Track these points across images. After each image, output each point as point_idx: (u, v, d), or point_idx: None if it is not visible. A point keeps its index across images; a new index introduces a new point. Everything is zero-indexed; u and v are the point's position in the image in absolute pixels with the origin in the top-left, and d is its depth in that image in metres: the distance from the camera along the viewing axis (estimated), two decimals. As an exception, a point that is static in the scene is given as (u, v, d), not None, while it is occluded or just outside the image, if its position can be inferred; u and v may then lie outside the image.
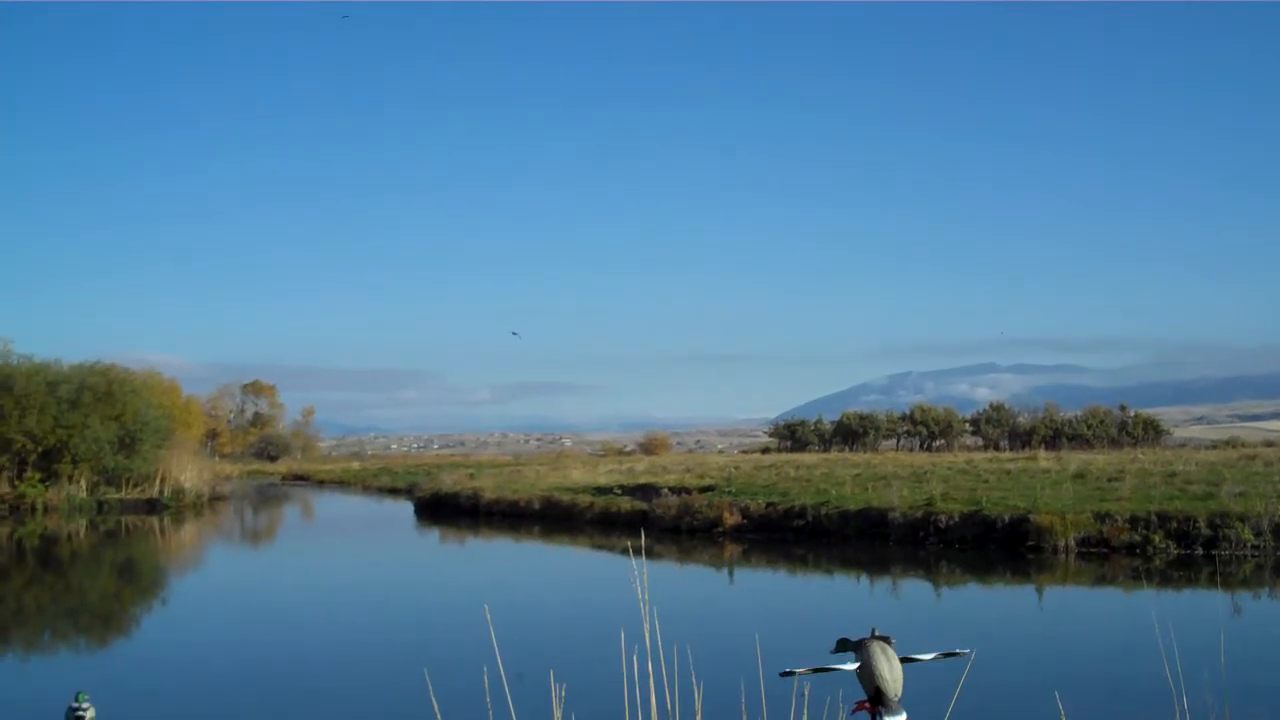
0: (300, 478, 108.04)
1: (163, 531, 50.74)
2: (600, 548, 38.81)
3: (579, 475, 61.37)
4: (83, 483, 61.69)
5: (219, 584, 34.08)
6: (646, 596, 5.11)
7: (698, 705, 5.01)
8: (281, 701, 16.26)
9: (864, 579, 31.20)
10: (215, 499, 68.07)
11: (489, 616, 5.10)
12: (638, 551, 5.72)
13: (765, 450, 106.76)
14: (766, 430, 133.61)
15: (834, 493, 40.85)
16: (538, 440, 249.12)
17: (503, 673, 4.89)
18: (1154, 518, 31.64)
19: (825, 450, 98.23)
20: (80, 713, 14.39)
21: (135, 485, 63.36)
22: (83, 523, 53.38)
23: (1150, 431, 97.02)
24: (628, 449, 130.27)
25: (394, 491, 78.80)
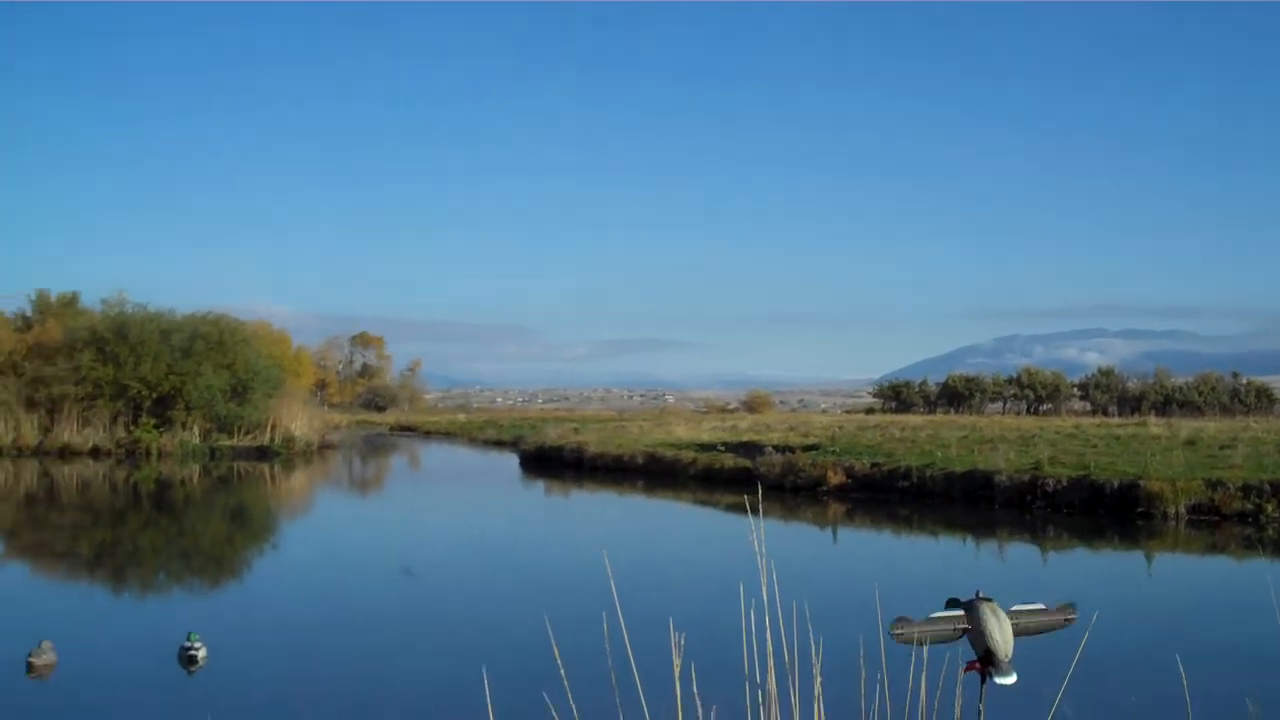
0: (407, 428, 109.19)
1: (273, 478, 51.62)
2: (704, 503, 38.87)
3: (682, 431, 61.47)
4: (196, 429, 63.02)
5: (328, 530, 34.59)
6: (763, 550, 5.11)
7: (816, 659, 5.01)
8: (389, 646, 16.45)
9: (970, 541, 30.98)
10: (324, 447, 69.06)
11: (608, 564, 5.14)
12: (741, 508, 5.74)
13: (869, 411, 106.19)
14: (870, 391, 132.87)
15: (939, 454, 40.51)
16: (641, 396, 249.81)
17: (621, 620, 4.92)
18: (1267, 486, 31.01)
19: (930, 412, 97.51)
20: (192, 651, 14.75)
21: (247, 432, 64.54)
22: (196, 468, 54.46)
23: (1263, 399, 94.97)
24: (731, 407, 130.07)
25: (499, 444, 79.40)
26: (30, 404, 62.50)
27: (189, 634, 15.06)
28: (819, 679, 4.98)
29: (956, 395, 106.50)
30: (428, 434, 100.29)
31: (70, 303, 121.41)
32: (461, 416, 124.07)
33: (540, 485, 48.63)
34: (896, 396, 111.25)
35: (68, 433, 61.59)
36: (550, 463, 55.51)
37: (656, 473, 47.97)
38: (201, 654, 14.83)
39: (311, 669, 15.06)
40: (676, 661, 4.66)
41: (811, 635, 5.04)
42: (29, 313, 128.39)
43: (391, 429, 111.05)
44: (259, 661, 15.42)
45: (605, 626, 4.94)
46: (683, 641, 4.66)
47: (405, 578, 23.25)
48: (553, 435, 62.15)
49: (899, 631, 5.85)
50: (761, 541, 5.15)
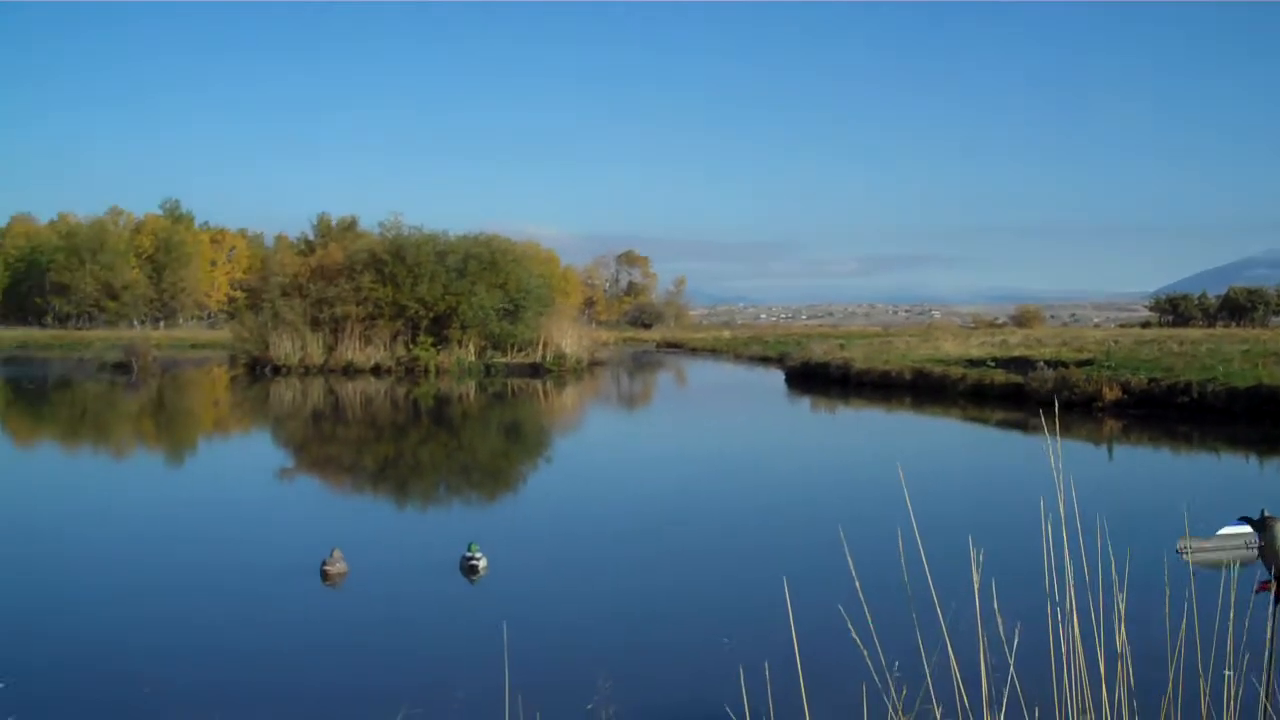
0: (673, 345, 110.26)
1: (545, 394, 52.70)
2: (974, 420, 38.16)
3: (950, 347, 60.70)
4: (471, 347, 64.91)
5: (600, 444, 35.11)
6: (1060, 465, 4.95)
7: (1118, 577, 4.84)
8: (671, 557, 16.61)
9: (1254, 459, 29.65)
10: (594, 364, 70.27)
11: (902, 477, 5.04)
12: (1013, 424, 5.61)
13: (1145, 325, 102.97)
14: (1146, 304, 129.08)
15: (1220, 369, 38.86)
16: (906, 312, 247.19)
17: (915, 529, 4.83)
18: None
19: (1209, 326, 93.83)
20: (473, 562, 15.17)
21: (519, 350, 66.14)
22: (471, 384, 56.01)
23: None
24: (999, 322, 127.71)
25: (764, 360, 79.46)
26: (315, 324, 65.22)
27: (469, 544, 15.48)
28: (1122, 597, 4.81)
29: (1238, 308, 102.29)
30: (693, 350, 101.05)
31: (350, 226, 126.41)
32: (726, 333, 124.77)
33: (806, 401, 48.48)
34: (1173, 310, 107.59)
35: (351, 351, 64.14)
36: (816, 379, 55.34)
37: (924, 388, 47.38)
38: (482, 564, 15.23)
39: (590, 580, 15.31)
40: (976, 576, 4.55)
41: (1112, 552, 4.87)
42: (311, 237, 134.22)
43: (657, 346, 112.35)
44: (537, 573, 15.73)
45: (900, 541, 4.86)
46: (981, 557, 4.54)
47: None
48: (818, 351, 61.92)
49: (1187, 549, 5.64)
50: (1058, 457, 4.99)
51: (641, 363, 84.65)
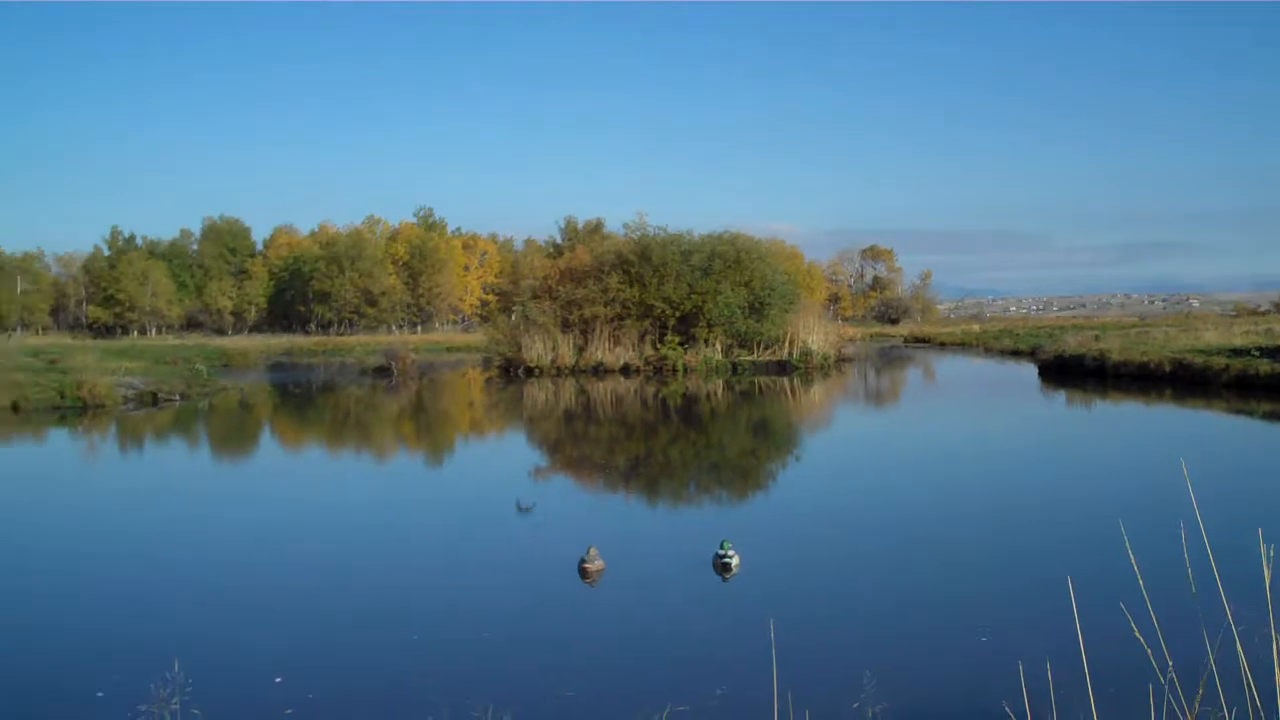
0: (921, 340, 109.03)
1: (793, 391, 52.55)
2: (1239, 412, 36.69)
3: (1211, 337, 58.81)
4: (717, 345, 65.35)
5: (851, 440, 34.91)
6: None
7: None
8: (925, 550, 16.40)
9: None
10: (841, 360, 69.94)
11: (1185, 472, 4.89)
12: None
13: None
14: None
15: None
16: (1163, 301, 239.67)
17: (1202, 527, 4.67)
18: None
19: None
20: (726, 559, 15.25)
21: (766, 347, 66.36)
22: (719, 382, 56.27)
23: None
24: (1262, 309, 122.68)
25: (1015, 354, 77.99)
26: (565, 325, 66.53)
27: (722, 542, 15.58)
28: None
29: None
30: (941, 345, 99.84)
31: (596, 228, 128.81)
32: (975, 327, 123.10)
33: (1062, 394, 47.30)
34: None
35: (600, 352, 65.25)
36: (1070, 371, 54.12)
37: (1184, 380, 45.93)
38: (735, 562, 15.30)
39: (843, 576, 15.24)
40: (1267, 572, 4.38)
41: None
42: (559, 240, 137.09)
43: (905, 341, 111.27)
44: (790, 569, 15.69)
45: (1184, 537, 4.70)
46: (1273, 553, 4.36)
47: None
48: (1072, 343, 60.54)
49: None
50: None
51: (889, 358, 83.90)
